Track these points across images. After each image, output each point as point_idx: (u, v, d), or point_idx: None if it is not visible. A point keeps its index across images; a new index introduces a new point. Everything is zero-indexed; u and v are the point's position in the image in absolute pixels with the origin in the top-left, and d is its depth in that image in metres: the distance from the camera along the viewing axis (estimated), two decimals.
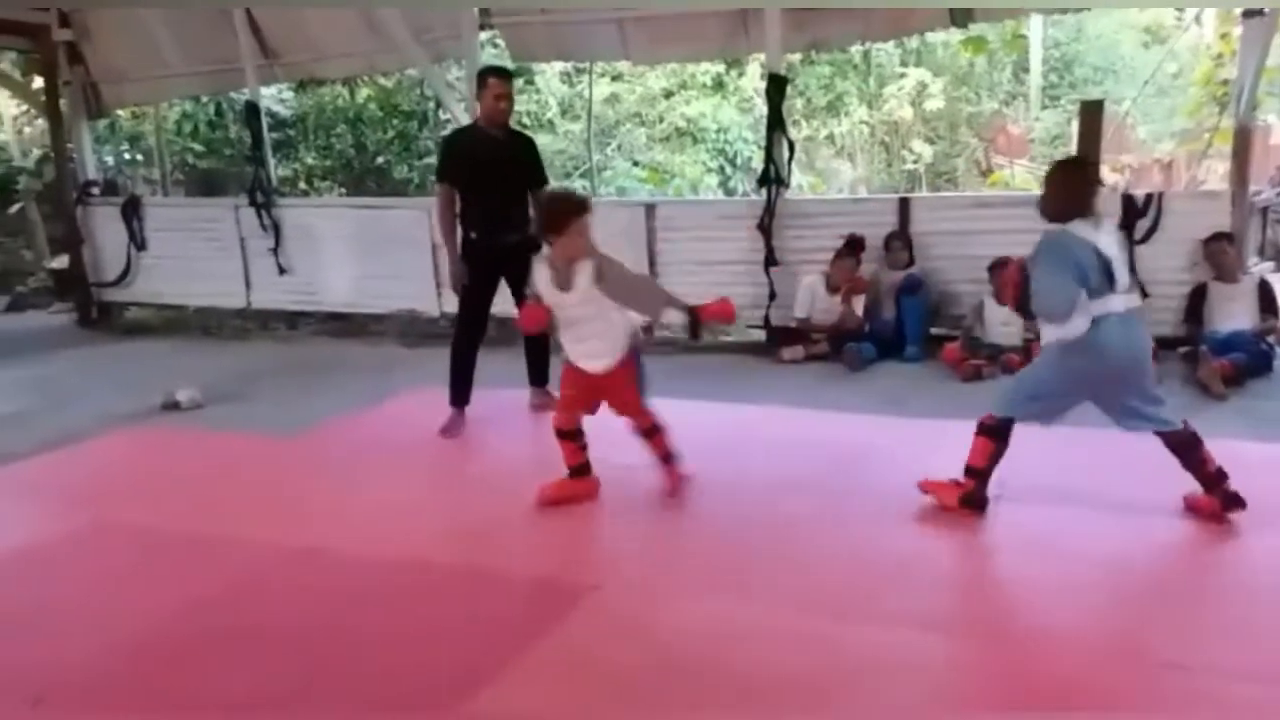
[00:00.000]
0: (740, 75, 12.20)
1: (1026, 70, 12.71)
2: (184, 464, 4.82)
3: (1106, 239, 3.46)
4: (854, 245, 6.50)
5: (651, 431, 4.00)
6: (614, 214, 7.39)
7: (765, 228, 6.76)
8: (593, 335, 3.83)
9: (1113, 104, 10.23)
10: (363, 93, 11.66)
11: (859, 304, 6.50)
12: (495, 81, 4.98)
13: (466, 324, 5.16)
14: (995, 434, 3.62)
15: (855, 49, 11.60)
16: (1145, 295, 6.04)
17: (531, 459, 4.52)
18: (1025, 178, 10.93)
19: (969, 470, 3.66)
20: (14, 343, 8.20)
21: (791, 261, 6.79)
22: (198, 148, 11.44)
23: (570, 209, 3.75)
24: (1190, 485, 3.58)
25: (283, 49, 8.25)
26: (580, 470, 4.01)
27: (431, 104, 11.15)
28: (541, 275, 3.85)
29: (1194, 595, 3.13)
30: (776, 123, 6.81)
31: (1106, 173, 8.12)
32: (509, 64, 8.96)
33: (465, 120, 7.68)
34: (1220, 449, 3.60)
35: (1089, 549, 3.38)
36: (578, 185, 11.40)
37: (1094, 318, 3.38)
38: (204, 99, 11.02)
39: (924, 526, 3.66)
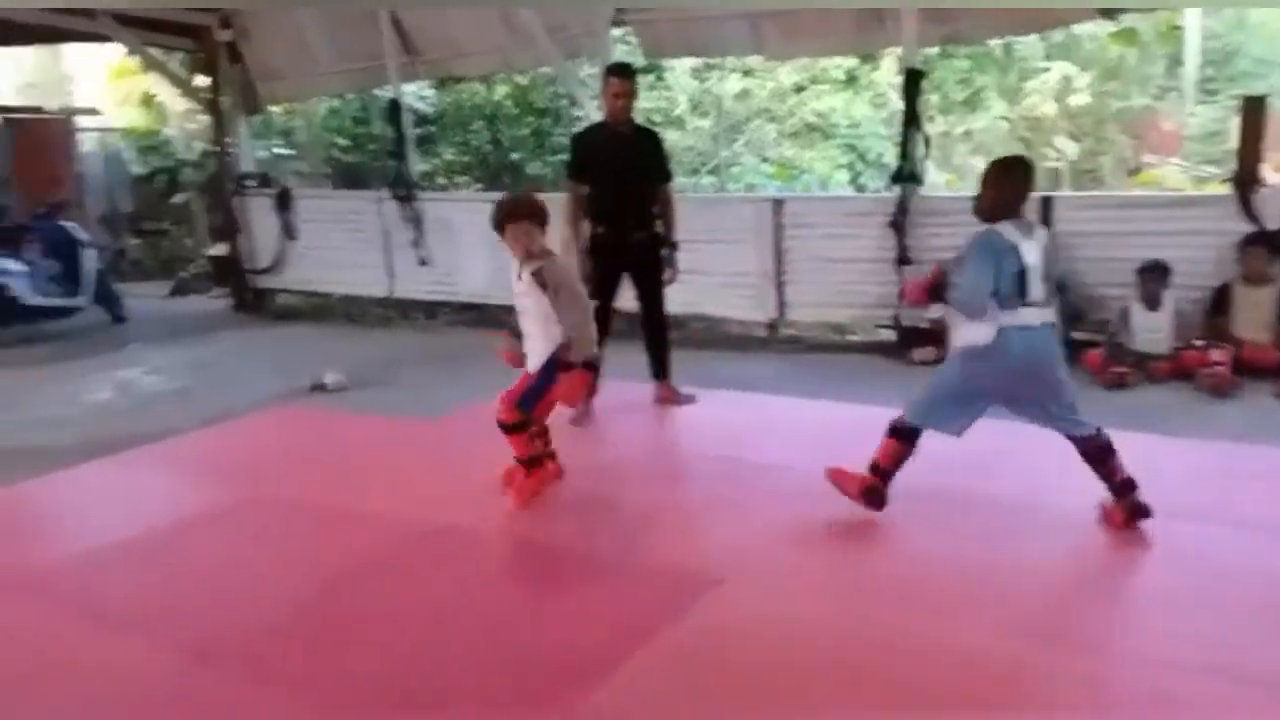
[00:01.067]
0: (874, 69, 11.97)
1: (1181, 63, 12.05)
2: (329, 443, 5.08)
3: (1030, 246, 3.42)
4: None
5: (510, 429, 3.95)
6: (741, 210, 7.42)
7: (898, 225, 6.64)
8: (529, 330, 3.96)
9: (1277, 99, 9.63)
10: (499, 90, 11.94)
11: None
12: (614, 80, 5.08)
13: (597, 317, 5.25)
14: (903, 437, 3.62)
15: (995, 42, 11.23)
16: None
17: (656, 451, 4.59)
18: (1178, 177, 10.39)
19: (874, 467, 3.67)
20: (178, 325, 8.77)
21: (924, 260, 6.63)
22: (344, 142, 11.94)
23: (512, 211, 3.89)
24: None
25: (424, 47, 8.56)
26: (533, 461, 4.02)
27: (565, 101, 11.35)
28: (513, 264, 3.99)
29: None
30: (912, 118, 6.69)
31: (1269, 172, 7.65)
32: (640, 60, 9.08)
33: (597, 117, 7.81)
34: None
35: (1232, 567, 3.23)
36: (706, 181, 11.42)
37: (1000, 327, 3.39)
38: (350, 96, 11.50)
39: (1051, 537, 3.56)
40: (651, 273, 5.26)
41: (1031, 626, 2.94)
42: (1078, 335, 6.30)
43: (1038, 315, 3.44)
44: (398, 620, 3.12)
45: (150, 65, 10.19)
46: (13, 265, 7.91)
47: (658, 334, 5.42)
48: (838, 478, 3.77)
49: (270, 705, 2.68)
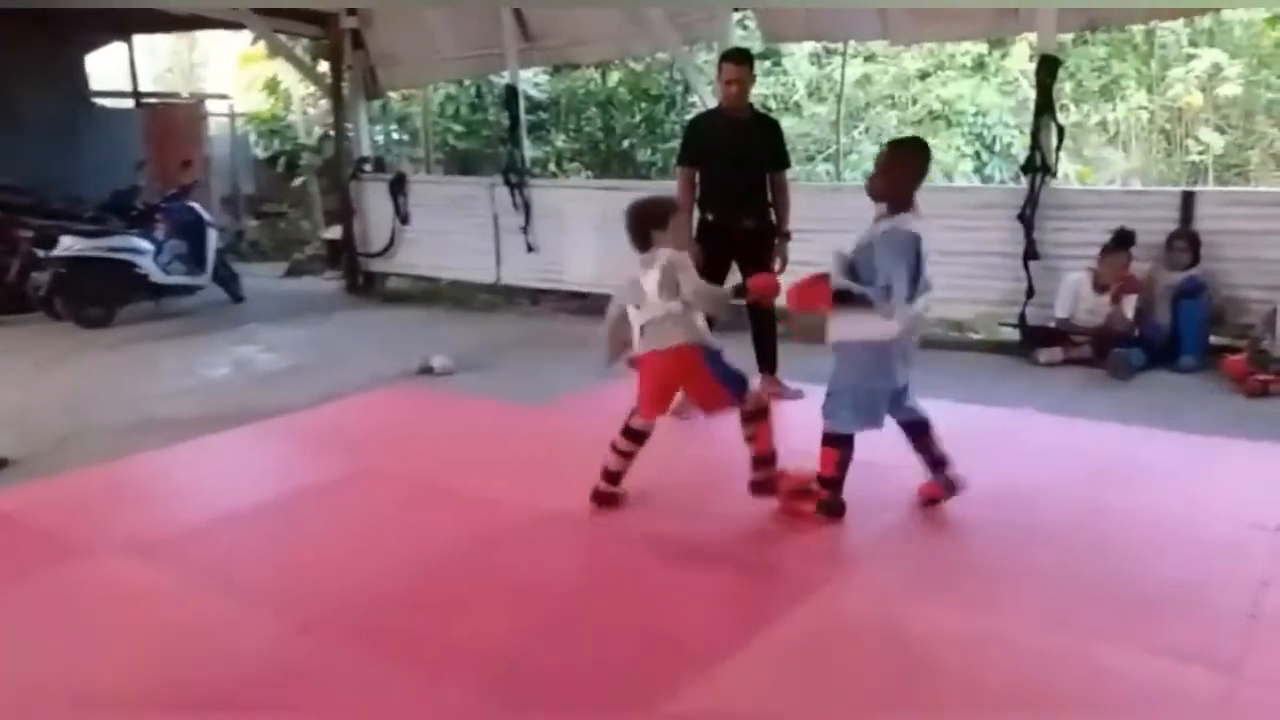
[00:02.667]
0: (1004, 56, 11.48)
1: None
2: (437, 424, 5.12)
3: (867, 232, 3.48)
4: (1124, 240, 5.96)
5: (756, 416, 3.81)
6: (859, 199, 7.10)
7: (1026, 218, 6.31)
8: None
9: None
10: (613, 77, 11.90)
11: (1129, 305, 5.94)
12: (727, 66, 5.01)
13: None
14: (838, 443, 3.57)
15: (1136, 28, 10.63)
16: None
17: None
18: None
19: (821, 480, 3.60)
20: (292, 305, 9.00)
21: (1053, 256, 6.31)
22: (458, 129, 12.08)
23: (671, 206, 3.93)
24: None
25: (542, 34, 8.55)
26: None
27: (679, 88, 11.23)
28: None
29: None
30: (1045, 107, 6.33)
31: None
32: (759, 46, 8.90)
33: (712, 103, 7.68)
34: None
35: None
36: (821, 169, 11.15)
37: (907, 319, 3.42)
38: (467, 82, 11.63)
39: (1187, 550, 3.33)
40: (760, 261, 5.13)
41: (1157, 641, 2.76)
42: (1218, 339, 5.92)
43: (920, 306, 3.49)
44: (503, 600, 3.11)
45: (276, 51, 10.49)
46: (142, 244, 8.22)
47: (765, 326, 5.29)
48: (789, 508, 3.68)
49: (368, 674, 2.68)
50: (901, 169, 3.52)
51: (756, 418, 3.72)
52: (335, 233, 10.26)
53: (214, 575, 3.35)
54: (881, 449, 4.00)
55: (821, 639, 2.85)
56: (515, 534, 3.62)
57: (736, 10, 7.86)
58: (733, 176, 5.04)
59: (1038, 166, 6.30)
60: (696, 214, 5.09)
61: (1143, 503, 3.75)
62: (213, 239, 8.81)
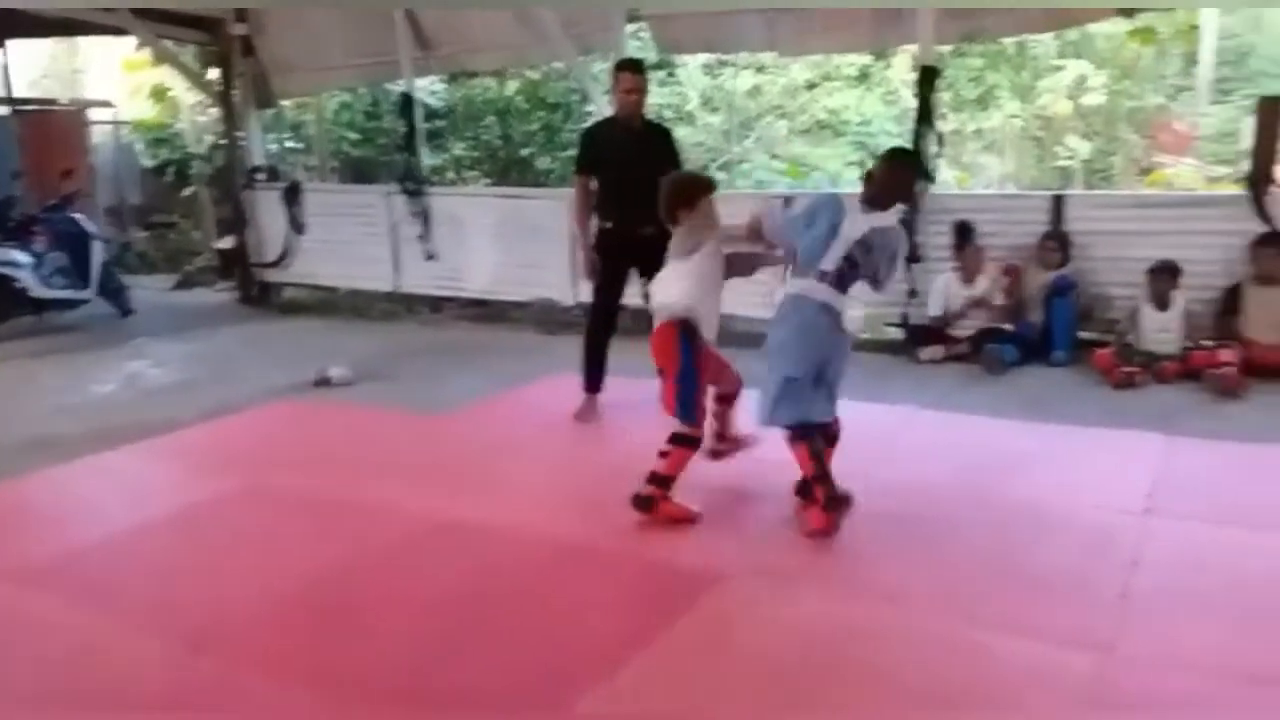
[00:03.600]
0: (886, 67, 11.92)
1: (1196, 63, 11.96)
2: (334, 436, 5.08)
3: (858, 222, 3.46)
4: (966, 231, 6.30)
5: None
6: (751, 207, 7.35)
7: (908, 222, 6.58)
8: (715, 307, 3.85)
9: None
10: (511, 85, 11.93)
11: (995, 289, 6.28)
12: (624, 75, 5.06)
13: (599, 312, 5.25)
14: (801, 439, 3.56)
15: (1009, 40, 11.16)
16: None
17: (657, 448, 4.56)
18: (1190, 177, 10.31)
19: (811, 479, 3.58)
20: (182, 318, 8.77)
21: (934, 259, 6.61)
22: (354, 137, 11.94)
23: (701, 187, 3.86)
24: None
25: (437, 42, 8.53)
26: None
27: (576, 97, 11.32)
28: None
29: None
30: (925, 116, 6.63)
31: None
32: (654, 57, 9.05)
33: (609, 113, 7.79)
34: None
35: (1241, 569, 3.21)
36: (717, 178, 11.37)
37: (790, 294, 3.51)
38: (362, 90, 11.49)
39: (1062, 536, 3.53)
40: (659, 268, 5.23)
41: (1038, 625, 2.92)
42: (1086, 334, 6.28)
43: (823, 293, 3.47)
44: (401, 613, 3.11)
45: (163, 58, 10.20)
46: (20, 257, 7.91)
47: None
48: (818, 525, 3.59)
49: (266, 695, 2.67)
50: (881, 177, 3.58)
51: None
52: (228, 243, 10.03)
53: (102, 599, 3.26)
54: (772, 447, 4.16)
55: (722, 635, 2.92)
56: (414, 544, 3.63)
57: (631, 21, 7.98)
58: (629, 185, 5.07)
59: (919, 158, 6.59)
60: (595, 221, 5.17)
61: (1018, 492, 3.93)
62: (97, 251, 8.52)
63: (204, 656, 2.87)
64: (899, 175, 3.64)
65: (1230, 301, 5.85)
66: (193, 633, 3.00)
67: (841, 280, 3.49)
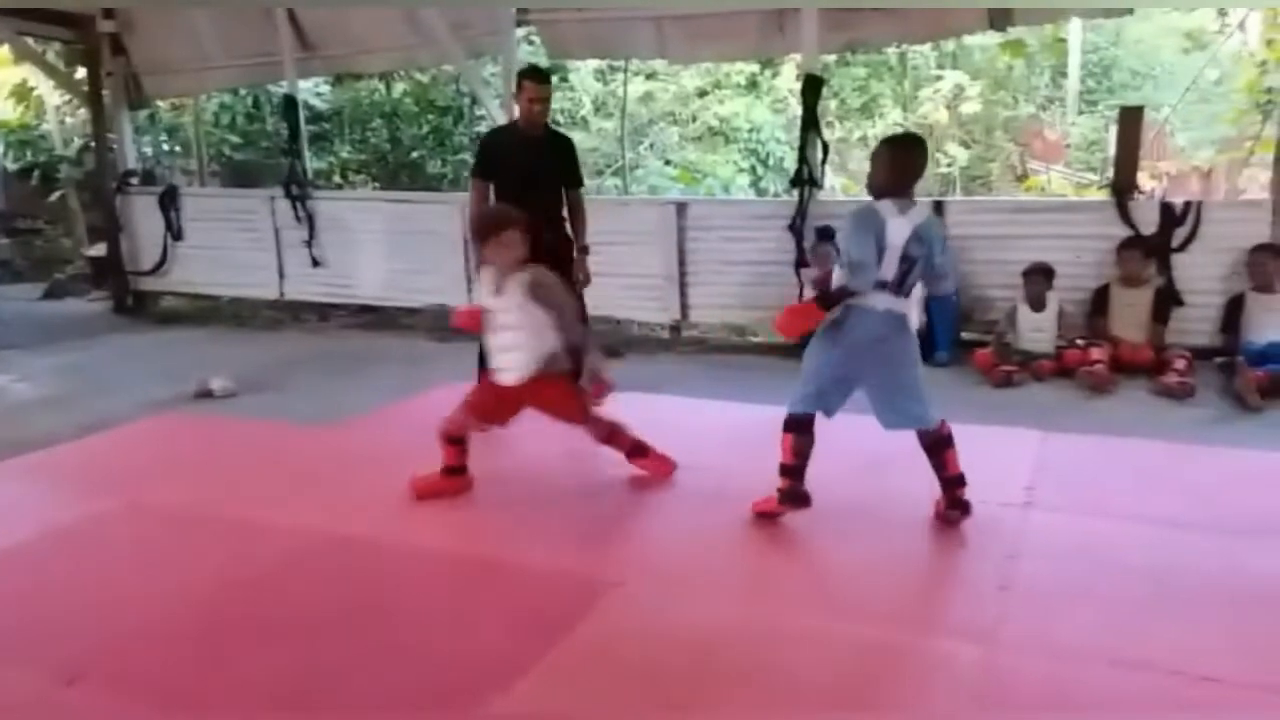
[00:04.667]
0: (774, 75, 12.16)
1: (1064, 75, 12.58)
2: (217, 450, 4.88)
3: (899, 225, 3.39)
4: (825, 233, 6.47)
5: (611, 436, 4.11)
6: (645, 212, 7.42)
7: (797, 228, 6.74)
8: (511, 343, 3.92)
9: (1152, 110, 10.10)
10: (399, 88, 11.72)
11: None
12: (529, 84, 5.02)
13: None
14: (794, 428, 3.61)
15: (891, 51, 11.54)
16: (1180, 303, 6.03)
17: (556, 454, 4.54)
18: (1061, 183, 10.82)
19: (781, 469, 3.65)
20: (52, 329, 8.32)
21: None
22: (235, 139, 11.54)
23: (505, 219, 3.93)
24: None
25: (321, 42, 8.33)
26: (458, 470, 4.10)
27: (467, 100, 11.20)
28: (484, 278, 3.99)
29: (1208, 606, 3.05)
30: (811, 123, 6.80)
31: (1145, 180, 8.01)
32: (544, 61, 9.02)
33: (500, 116, 7.74)
34: (1253, 462, 3.55)
35: (1116, 558, 3.35)
36: (610, 183, 11.41)
37: (847, 305, 3.42)
38: (242, 91, 11.13)
39: (943, 531, 3.63)
40: (560, 275, 5.23)
41: (924, 619, 3.01)
42: (967, 335, 6.52)
43: (885, 301, 3.43)
44: (287, 632, 3.00)
45: (24, 55, 9.68)
46: None
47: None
48: (760, 507, 3.72)
49: None
50: (884, 164, 3.49)
51: None
52: (100, 250, 9.56)
53: None
54: (667, 449, 4.18)
55: (618, 643, 2.91)
56: (300, 561, 3.52)
57: (521, 25, 7.93)
58: (527, 192, 5.00)
59: (805, 179, 6.74)
60: None
61: (900, 488, 3.99)
62: None
63: (78, 687, 2.72)
64: (908, 158, 3.51)
65: (1099, 302, 6.15)
66: (65, 661, 2.83)
67: (902, 285, 3.46)
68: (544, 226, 5.10)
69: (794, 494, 3.64)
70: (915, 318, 3.61)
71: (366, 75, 10.92)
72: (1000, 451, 4.49)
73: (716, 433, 4.86)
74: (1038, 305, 6.11)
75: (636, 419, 5.16)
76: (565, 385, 4.00)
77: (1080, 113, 12.50)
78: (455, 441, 4.05)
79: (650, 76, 12.28)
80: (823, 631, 2.93)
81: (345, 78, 11.06)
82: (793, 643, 2.88)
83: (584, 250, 5.30)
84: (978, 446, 4.57)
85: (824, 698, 2.61)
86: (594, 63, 11.64)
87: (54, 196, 11.70)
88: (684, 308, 7.31)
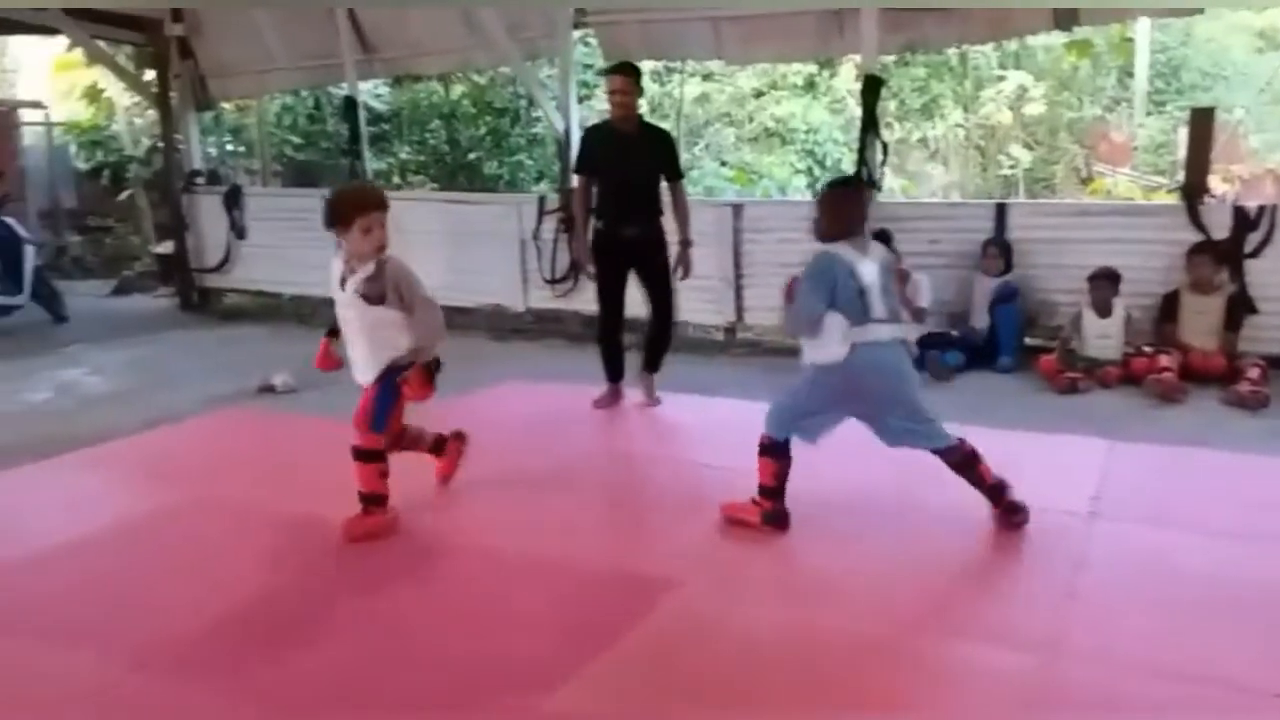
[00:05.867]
0: (832, 76, 12.06)
1: (1131, 75, 12.29)
2: (278, 445, 4.97)
3: (868, 265, 3.47)
4: (881, 237, 6.36)
5: (364, 456, 3.67)
6: (701, 213, 7.34)
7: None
8: (355, 339, 3.64)
9: (1224, 112, 9.83)
10: (457, 89, 11.83)
11: (919, 294, 6.29)
12: (611, 78, 5.19)
13: (602, 309, 5.38)
14: (774, 452, 3.63)
15: (952, 51, 11.37)
16: (1253, 310, 5.86)
17: (613, 454, 4.55)
18: (1128, 186, 10.58)
19: (762, 490, 3.66)
20: (120, 324, 8.54)
21: None
22: (296, 140, 11.75)
23: (367, 199, 3.57)
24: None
25: (381, 44, 8.43)
26: (375, 500, 3.69)
27: (524, 102, 11.27)
28: (334, 270, 3.64)
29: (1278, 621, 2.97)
30: (870, 124, 6.71)
31: (1217, 183, 7.80)
32: (600, 63, 9.03)
33: (556, 119, 7.79)
34: None
35: (1181, 569, 3.27)
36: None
37: (852, 344, 3.43)
38: (304, 93, 11.32)
39: (1007, 539, 3.58)
40: (652, 269, 5.30)
41: (984, 627, 2.96)
42: (1032, 341, 6.39)
43: (887, 331, 3.49)
44: (347, 627, 3.06)
45: (96, 59, 9.94)
46: None
47: (657, 329, 5.44)
48: (733, 511, 3.74)
49: (210, 711, 2.60)
50: (828, 209, 3.61)
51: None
52: (167, 248, 9.79)
53: (32, 617, 3.15)
54: (725, 453, 4.16)
55: (675, 644, 2.90)
56: (361, 555, 3.57)
57: (578, 28, 7.96)
58: (619, 187, 5.18)
59: (864, 181, 6.66)
60: (593, 222, 5.28)
61: (962, 497, 3.93)
62: (29, 255, 8.28)
63: (144, 673, 2.78)
64: (856, 197, 3.72)
65: (1168, 308, 5.99)
66: (134, 648, 2.90)
67: (894, 313, 3.55)
68: (626, 220, 5.17)
69: (776, 514, 3.66)
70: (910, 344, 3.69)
71: (425, 77, 11.03)
72: (1065, 460, 4.41)
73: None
74: (1104, 311, 5.97)
75: (691, 421, 5.16)
76: (374, 388, 3.65)
77: (1148, 114, 12.21)
78: (367, 457, 3.72)
79: (707, 78, 12.25)
80: (880, 638, 2.90)
81: (404, 79, 11.19)
82: (850, 649, 2.85)
83: (687, 243, 5.35)
84: (1042, 454, 4.53)
85: (879, 705, 2.59)
86: (650, 64, 11.64)
87: (123, 195, 12.02)
88: (739, 310, 7.27)
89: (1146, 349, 5.82)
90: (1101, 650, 2.81)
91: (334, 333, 3.75)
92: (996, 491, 3.60)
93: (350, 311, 3.59)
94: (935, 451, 3.58)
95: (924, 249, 6.47)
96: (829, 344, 3.45)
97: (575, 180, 5.47)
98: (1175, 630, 2.90)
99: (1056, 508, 3.82)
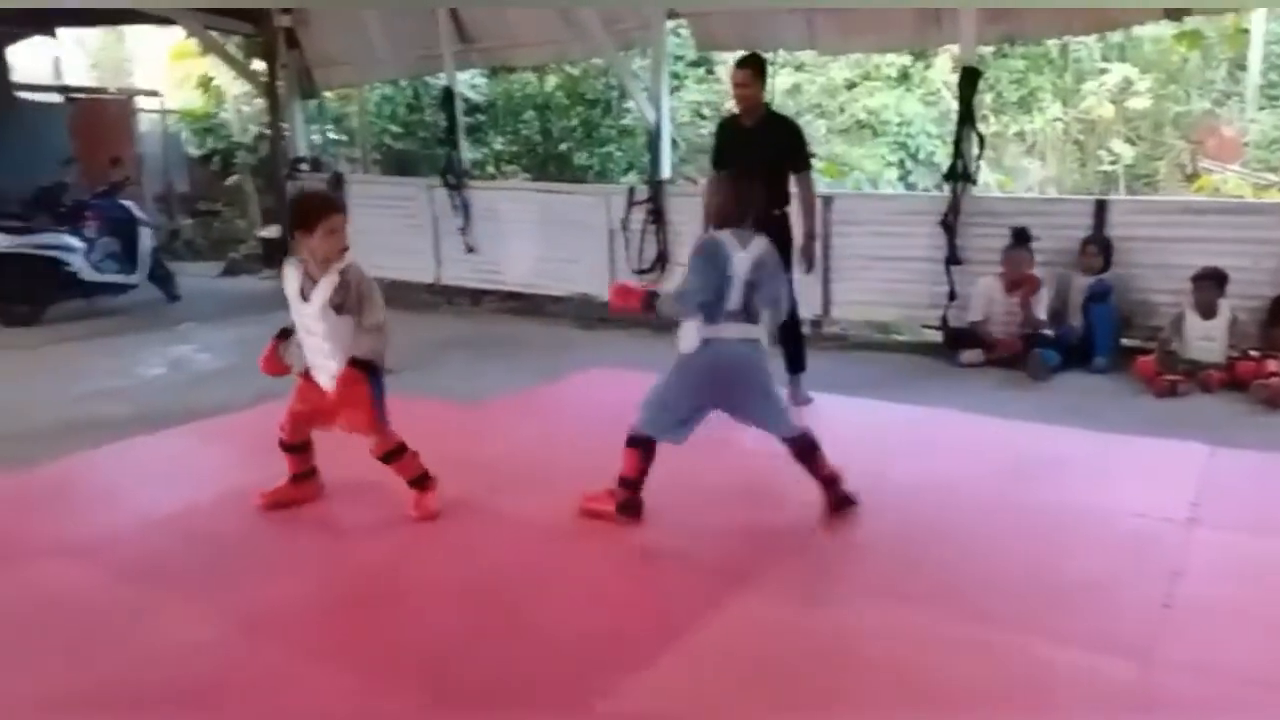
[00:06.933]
0: (927, 67, 11.85)
1: (1244, 68, 11.78)
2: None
3: (742, 257, 3.54)
4: (1021, 237, 6.25)
5: (394, 454, 3.78)
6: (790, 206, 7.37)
7: (949, 225, 6.58)
8: (324, 349, 3.66)
9: None
10: (551, 80, 11.98)
11: (1040, 304, 6.23)
12: (734, 72, 5.25)
13: None
14: (639, 445, 3.68)
15: (1052, 43, 11.06)
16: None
17: (698, 445, 4.59)
18: (1237, 184, 10.17)
19: (622, 480, 3.70)
20: (229, 304, 8.91)
21: (974, 261, 6.58)
22: (395, 129, 12.05)
23: (329, 204, 3.67)
24: None
25: (479, 36, 8.62)
26: (303, 476, 3.95)
27: (615, 94, 11.35)
28: (291, 275, 3.67)
29: None
30: (967, 117, 6.61)
31: None
32: (692, 54, 9.07)
33: (648, 109, 7.86)
34: None
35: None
36: None
37: (705, 339, 3.53)
38: (403, 83, 11.60)
39: (1100, 544, 3.51)
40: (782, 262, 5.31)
41: (1077, 632, 2.92)
42: (1129, 341, 6.23)
43: (735, 330, 3.56)
44: (441, 599, 3.17)
45: (209, 48, 10.37)
46: (73, 241, 8.09)
47: (786, 324, 5.41)
48: (591, 504, 3.77)
49: (313, 675, 2.73)
50: (716, 193, 3.73)
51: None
52: (272, 231, 10.14)
53: (150, 577, 3.33)
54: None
55: (752, 637, 2.93)
56: (454, 533, 3.69)
57: (672, 18, 8.01)
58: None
59: (960, 175, 6.57)
60: None
61: (1057, 498, 3.91)
62: (146, 237, 8.68)
63: (250, 637, 2.94)
64: (742, 190, 3.71)
65: (1277, 311, 5.77)
66: (243, 613, 3.07)
67: (747, 311, 3.61)
68: (766, 214, 5.21)
69: (631, 504, 3.71)
70: (765, 341, 3.69)
71: (521, 68, 11.20)
72: (1163, 465, 4.32)
73: (857, 431, 4.82)
74: (1208, 313, 5.79)
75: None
76: (363, 390, 3.65)
77: (1260, 109, 11.68)
78: (291, 450, 3.94)
79: (798, 68, 12.15)
80: (969, 638, 2.88)
81: (500, 70, 11.37)
82: (936, 649, 2.84)
83: (811, 236, 5.34)
84: (1139, 458, 4.44)
85: (966, 707, 2.58)
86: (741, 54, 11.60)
87: (231, 180, 12.50)
88: (826, 303, 7.24)
89: (1253, 353, 5.63)
90: (1199, 660, 2.76)
91: (284, 334, 3.81)
92: (830, 481, 3.72)
93: (320, 324, 3.62)
94: (783, 440, 3.70)
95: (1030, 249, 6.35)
96: (688, 333, 3.58)
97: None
98: (1277, 643, 2.83)
99: (1154, 513, 3.74)
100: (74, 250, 8.05)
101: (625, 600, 3.21)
